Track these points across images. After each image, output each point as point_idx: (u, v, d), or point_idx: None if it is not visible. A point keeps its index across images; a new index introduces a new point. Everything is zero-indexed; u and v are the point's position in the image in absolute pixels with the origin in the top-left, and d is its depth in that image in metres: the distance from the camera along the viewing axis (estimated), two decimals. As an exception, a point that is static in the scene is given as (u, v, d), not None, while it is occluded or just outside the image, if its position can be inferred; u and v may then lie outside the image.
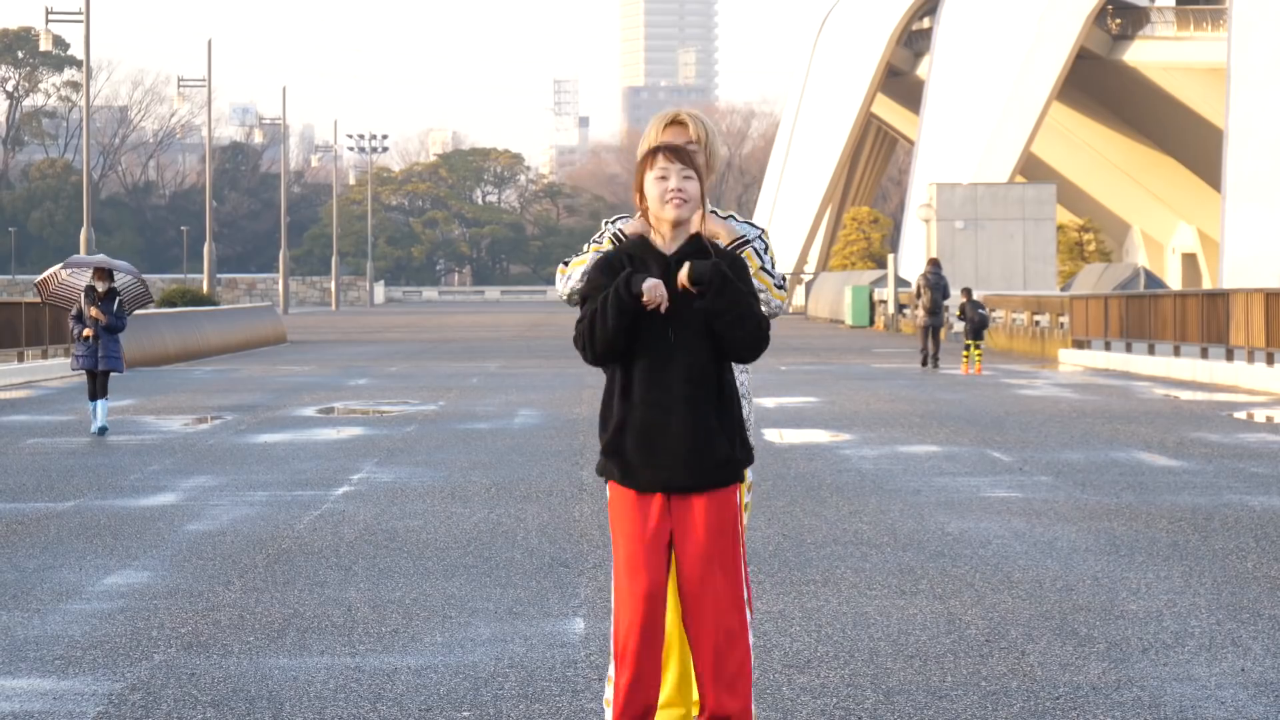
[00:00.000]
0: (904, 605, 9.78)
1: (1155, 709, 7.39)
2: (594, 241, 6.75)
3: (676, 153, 6.25)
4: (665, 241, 6.21)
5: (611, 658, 6.19)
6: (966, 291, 38.64)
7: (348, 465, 17.69)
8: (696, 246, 6.20)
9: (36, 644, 8.89)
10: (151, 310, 54.50)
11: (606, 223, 6.78)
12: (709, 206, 6.68)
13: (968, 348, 37.17)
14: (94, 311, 21.44)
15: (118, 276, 21.93)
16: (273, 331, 57.12)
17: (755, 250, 6.69)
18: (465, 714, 7.40)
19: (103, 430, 21.31)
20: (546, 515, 13.66)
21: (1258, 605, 9.74)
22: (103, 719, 7.38)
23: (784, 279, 6.77)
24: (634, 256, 6.20)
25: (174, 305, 57.21)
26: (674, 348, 6.12)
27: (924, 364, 38.26)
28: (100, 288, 21.54)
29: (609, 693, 6.29)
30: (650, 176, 6.24)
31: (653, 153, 6.27)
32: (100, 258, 22.12)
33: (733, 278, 6.08)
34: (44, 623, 9.47)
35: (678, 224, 6.21)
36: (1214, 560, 11.33)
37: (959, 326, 44.71)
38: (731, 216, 6.80)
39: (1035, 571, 10.91)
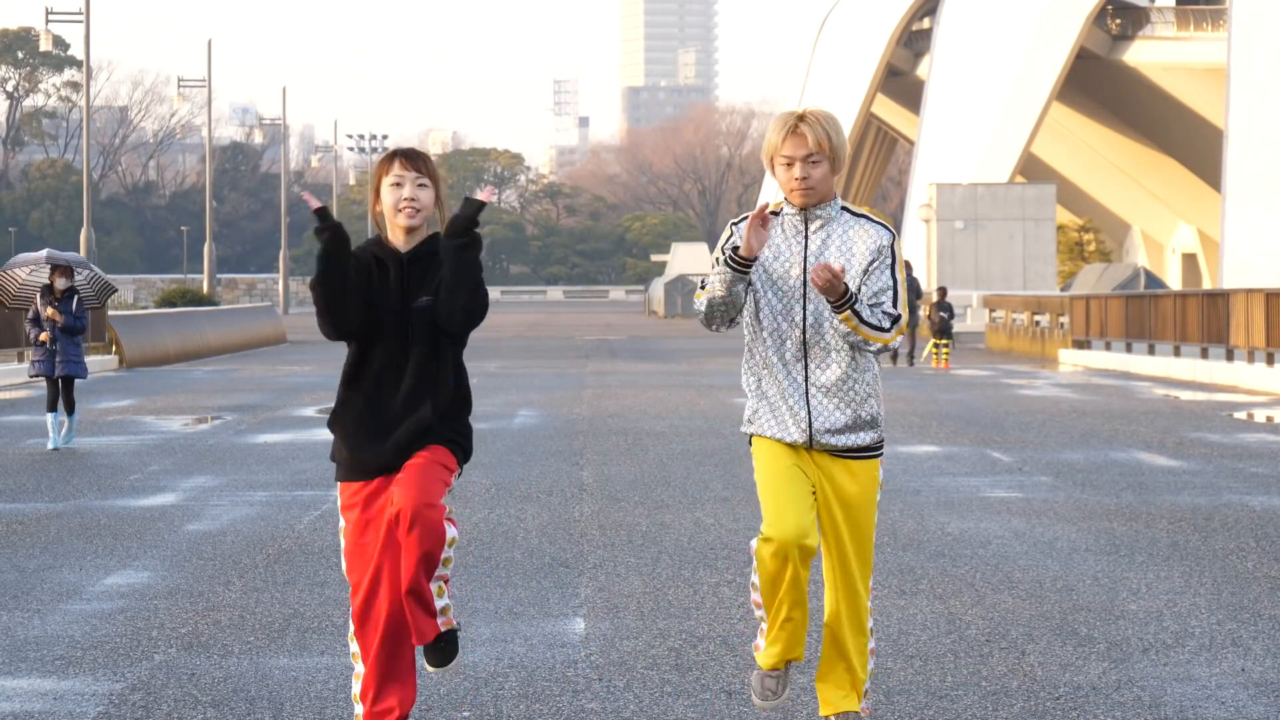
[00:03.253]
0: (904, 605, 9.78)
1: (1155, 709, 7.39)
2: (722, 248, 6.77)
3: (413, 160, 6.44)
4: (400, 242, 6.47)
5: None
6: (941, 291, 39.98)
7: (348, 465, 17.67)
8: (432, 247, 6.44)
9: (37, 644, 8.89)
10: (151, 310, 54.49)
11: (732, 223, 6.81)
12: (840, 202, 6.72)
13: (936, 345, 39.24)
14: (50, 312, 19.57)
15: (77, 273, 20.04)
16: (273, 331, 57.10)
17: (846, 286, 6.62)
18: (465, 714, 7.40)
19: (66, 442, 19.48)
20: (546, 515, 13.66)
21: (1258, 605, 9.74)
22: (103, 719, 7.38)
23: (893, 318, 6.65)
24: (376, 256, 6.47)
25: (174, 305, 57.21)
26: (408, 342, 6.46)
27: (894, 361, 39.35)
28: (60, 285, 19.63)
29: (356, 688, 6.66)
30: (386, 181, 6.46)
31: (390, 157, 6.46)
32: (47, 251, 20.13)
33: (471, 253, 6.39)
34: (44, 623, 9.46)
35: (410, 231, 6.45)
36: (1214, 560, 11.33)
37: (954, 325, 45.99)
38: (865, 215, 6.77)
39: (1035, 571, 10.91)
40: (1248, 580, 10.57)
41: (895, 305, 6.66)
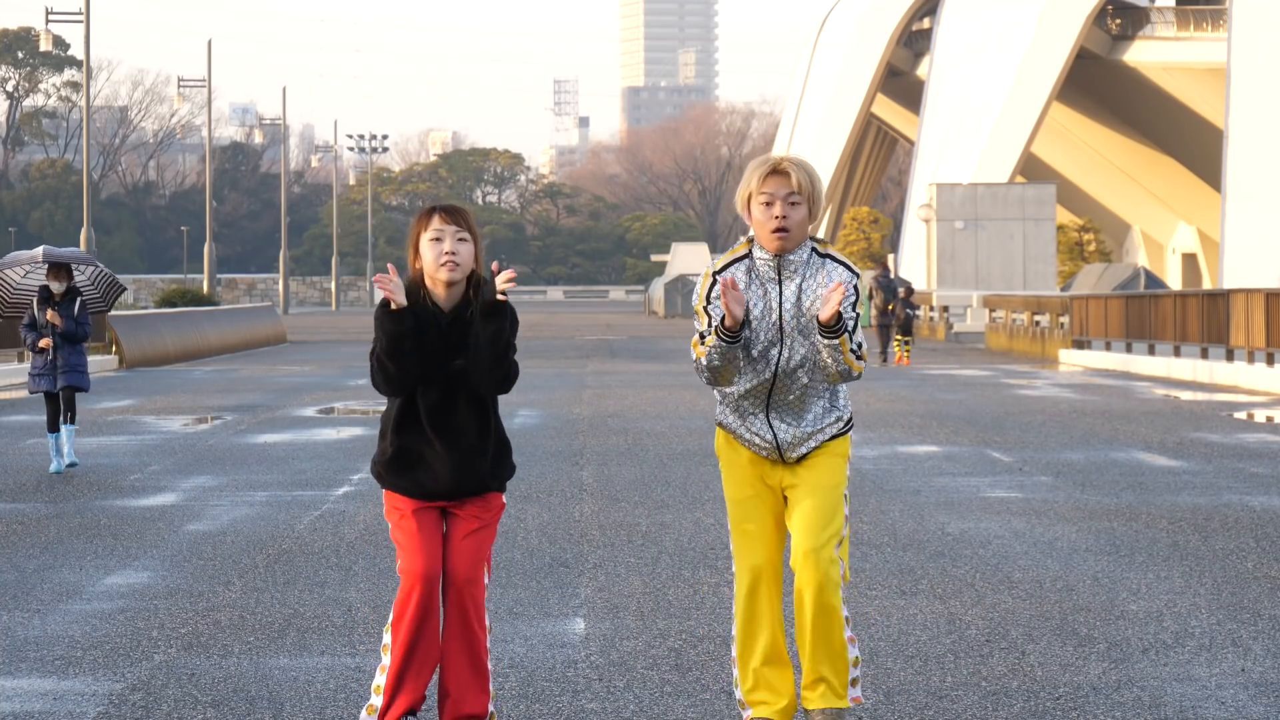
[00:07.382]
0: (904, 605, 9.78)
1: (1155, 709, 7.39)
2: (704, 298, 6.79)
3: (452, 215, 6.56)
4: (442, 298, 6.55)
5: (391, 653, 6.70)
6: (907, 289, 40.81)
7: (348, 465, 17.68)
8: (469, 308, 6.54)
9: (36, 644, 8.89)
10: (151, 310, 54.47)
11: (714, 272, 6.81)
12: (810, 242, 6.76)
13: (899, 342, 40.23)
14: (51, 315, 17.14)
15: (78, 272, 17.56)
16: (273, 332, 57.10)
17: (841, 312, 6.66)
18: (465, 714, 7.40)
19: (71, 465, 17.21)
20: (546, 515, 13.66)
21: (1258, 605, 9.74)
22: (103, 719, 7.38)
23: (860, 345, 6.72)
24: (413, 312, 6.55)
25: (174, 305, 57.18)
26: (455, 390, 6.55)
27: (884, 361, 39.89)
28: (56, 288, 17.19)
29: (380, 679, 6.71)
30: (425, 237, 6.57)
31: (429, 213, 6.57)
32: (42, 249, 17.41)
33: (505, 327, 6.48)
34: (44, 623, 9.46)
35: (450, 285, 6.55)
36: (1214, 560, 11.33)
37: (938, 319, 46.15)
38: (830, 255, 6.75)
39: (1035, 572, 10.91)
40: (1248, 580, 10.57)
41: (853, 339, 6.72)
